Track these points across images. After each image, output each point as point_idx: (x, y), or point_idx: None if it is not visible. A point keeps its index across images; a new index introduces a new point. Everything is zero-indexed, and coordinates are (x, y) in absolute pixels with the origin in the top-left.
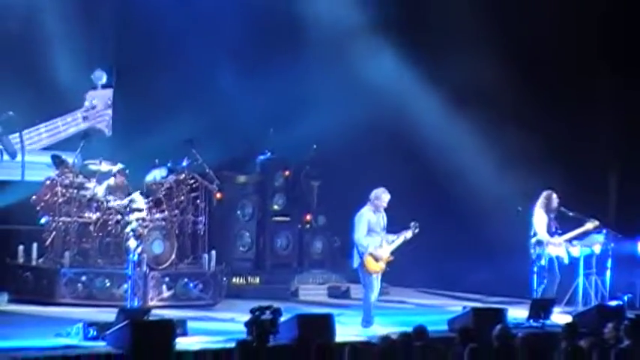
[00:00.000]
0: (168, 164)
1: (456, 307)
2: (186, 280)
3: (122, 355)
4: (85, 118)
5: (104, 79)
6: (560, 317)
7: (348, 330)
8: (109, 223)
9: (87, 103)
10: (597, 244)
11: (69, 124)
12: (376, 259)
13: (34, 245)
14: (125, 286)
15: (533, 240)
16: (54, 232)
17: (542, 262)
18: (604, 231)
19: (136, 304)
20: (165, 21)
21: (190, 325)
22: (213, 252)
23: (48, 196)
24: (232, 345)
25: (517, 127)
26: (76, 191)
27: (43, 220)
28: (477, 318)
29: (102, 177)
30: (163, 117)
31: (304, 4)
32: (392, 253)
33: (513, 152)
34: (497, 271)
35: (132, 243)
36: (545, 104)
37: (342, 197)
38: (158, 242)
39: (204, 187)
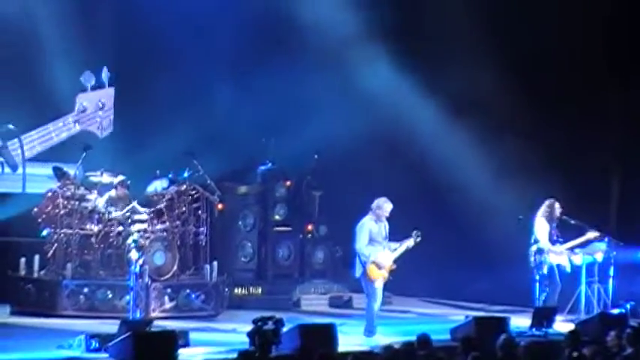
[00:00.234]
0: (170, 175)
1: (459, 316)
2: (188, 291)
3: None
4: (76, 122)
5: (93, 81)
6: (562, 325)
7: (350, 340)
8: (111, 234)
9: (78, 107)
10: (599, 252)
11: (60, 129)
12: (379, 267)
13: (36, 257)
14: (127, 297)
15: (534, 248)
16: (55, 244)
17: (544, 271)
18: (606, 239)
19: (138, 315)
20: (164, 32)
21: (193, 336)
22: (215, 263)
23: (49, 208)
24: (234, 356)
25: (516, 135)
26: (77, 203)
27: (44, 233)
28: (480, 327)
29: (103, 189)
30: (164, 128)
31: (302, 13)
32: (394, 262)
33: (513, 161)
34: (499, 279)
35: (133, 254)
36: (544, 112)
37: (344, 207)
38: (160, 253)
39: (205, 197)
